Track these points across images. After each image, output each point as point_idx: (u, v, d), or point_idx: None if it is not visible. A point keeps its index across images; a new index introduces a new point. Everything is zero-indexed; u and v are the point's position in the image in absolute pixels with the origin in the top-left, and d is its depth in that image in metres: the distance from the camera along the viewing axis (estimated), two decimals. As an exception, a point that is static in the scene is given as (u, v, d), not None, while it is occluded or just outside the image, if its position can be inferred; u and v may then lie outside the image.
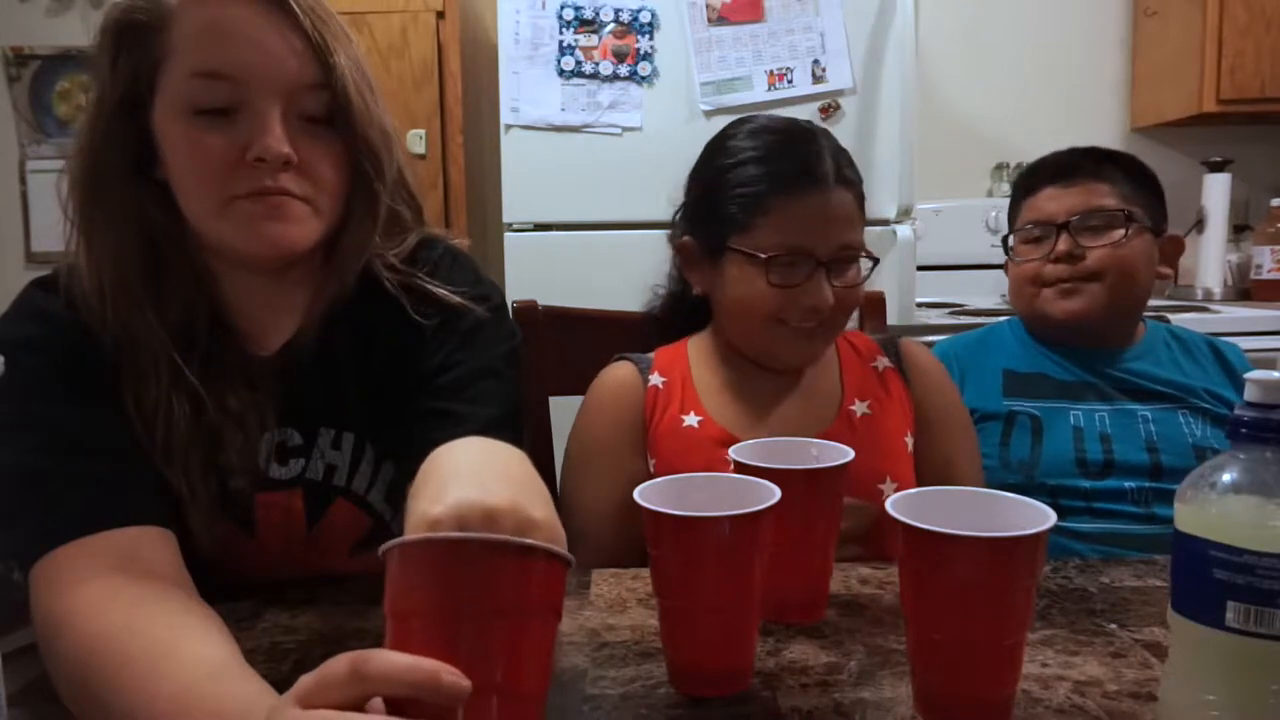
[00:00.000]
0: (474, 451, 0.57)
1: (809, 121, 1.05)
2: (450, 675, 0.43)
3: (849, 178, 1.00)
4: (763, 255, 0.97)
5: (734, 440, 0.85)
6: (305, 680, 0.45)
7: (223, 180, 0.73)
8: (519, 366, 0.86)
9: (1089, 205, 1.21)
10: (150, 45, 0.74)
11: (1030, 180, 1.28)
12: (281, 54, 0.73)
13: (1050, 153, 1.29)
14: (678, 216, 1.11)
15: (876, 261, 1.03)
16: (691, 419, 1.03)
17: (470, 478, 0.51)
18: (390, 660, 0.44)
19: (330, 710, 0.44)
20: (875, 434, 1.03)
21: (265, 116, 0.73)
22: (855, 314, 1.38)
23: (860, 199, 1.01)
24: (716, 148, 1.06)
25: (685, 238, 1.07)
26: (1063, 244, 1.21)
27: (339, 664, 0.44)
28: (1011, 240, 1.29)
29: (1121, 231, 1.19)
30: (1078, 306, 1.21)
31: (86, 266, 0.76)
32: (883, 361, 1.09)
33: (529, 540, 0.47)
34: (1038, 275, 1.24)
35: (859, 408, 1.05)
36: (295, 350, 0.83)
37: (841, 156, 1.01)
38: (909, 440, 1.05)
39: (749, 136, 1.02)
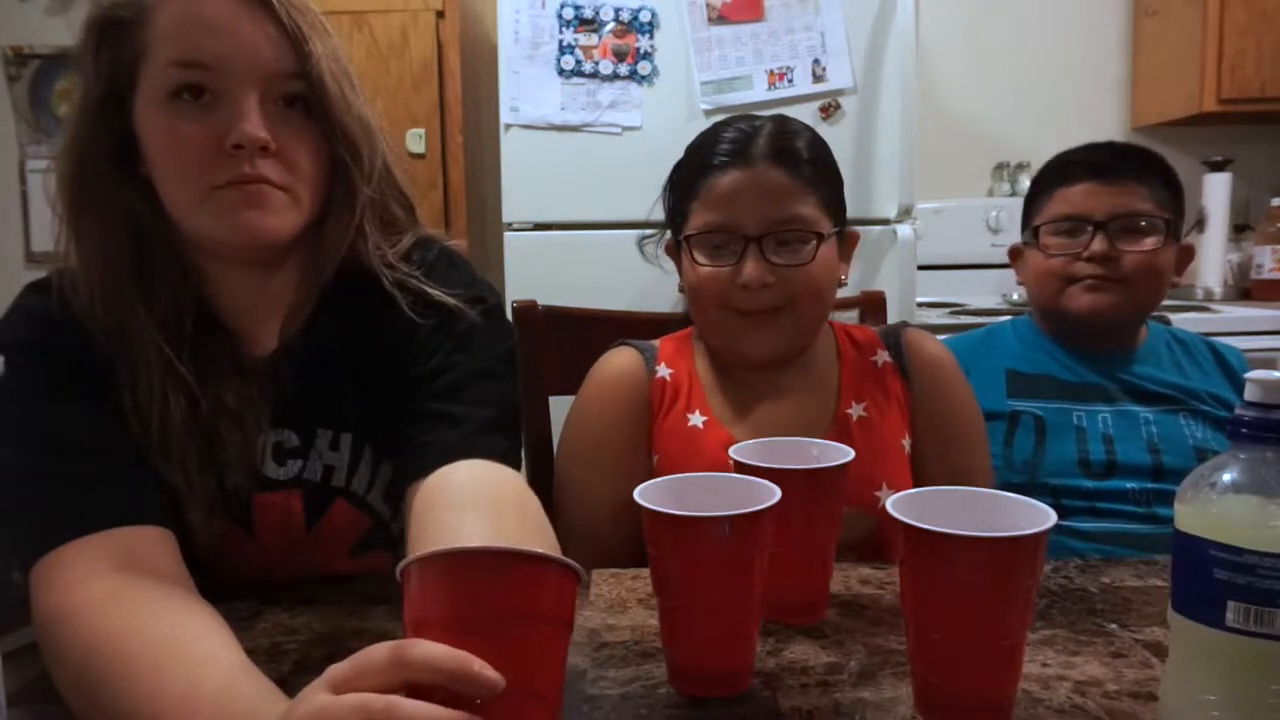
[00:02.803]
0: (470, 511, 0.64)
1: (782, 115, 1.03)
2: (483, 666, 0.45)
3: (790, 155, 0.96)
4: (683, 237, 0.99)
5: (734, 443, 0.84)
6: (338, 668, 0.46)
7: (202, 170, 0.74)
8: (516, 368, 0.87)
9: (1130, 208, 1.18)
10: (131, 40, 0.74)
11: (1064, 172, 1.24)
12: (258, 42, 0.74)
13: (1084, 145, 1.25)
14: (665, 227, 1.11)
15: (828, 236, 0.97)
16: (697, 418, 1.01)
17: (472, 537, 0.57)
18: (431, 647, 0.45)
19: (365, 693, 0.44)
20: (872, 438, 0.99)
21: (242, 104, 0.73)
22: (856, 314, 1.38)
23: (811, 179, 0.97)
24: (685, 151, 1.07)
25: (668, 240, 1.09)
26: (1098, 244, 1.18)
27: (378, 651, 0.46)
28: (1040, 231, 1.25)
29: (1158, 238, 1.18)
30: (1102, 303, 1.19)
31: (77, 262, 0.77)
32: (882, 356, 1.05)
33: (541, 551, 0.49)
34: (1066, 271, 1.21)
35: (856, 410, 1.01)
36: (289, 350, 0.83)
37: (788, 139, 0.98)
38: (906, 443, 1.02)
39: (706, 133, 1.04)
